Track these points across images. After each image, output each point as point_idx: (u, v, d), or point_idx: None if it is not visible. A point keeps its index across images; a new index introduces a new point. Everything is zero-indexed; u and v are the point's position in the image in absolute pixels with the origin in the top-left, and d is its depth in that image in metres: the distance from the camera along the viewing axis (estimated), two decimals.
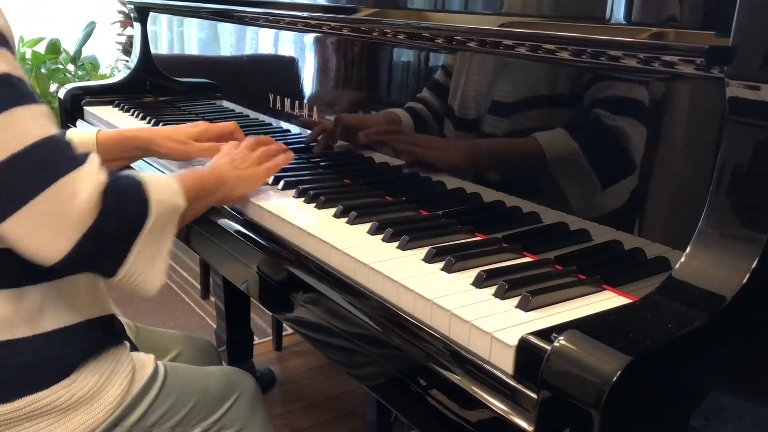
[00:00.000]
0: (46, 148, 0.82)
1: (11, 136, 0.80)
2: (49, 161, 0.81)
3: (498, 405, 0.69)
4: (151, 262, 0.90)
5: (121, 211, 0.86)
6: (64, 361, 0.93)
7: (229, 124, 1.35)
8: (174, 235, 0.95)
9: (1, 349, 0.89)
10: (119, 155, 1.28)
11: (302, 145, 1.43)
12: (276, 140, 1.49)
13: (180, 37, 1.93)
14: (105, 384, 0.96)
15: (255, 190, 1.18)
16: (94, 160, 0.86)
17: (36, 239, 0.81)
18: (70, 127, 1.95)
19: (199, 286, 2.82)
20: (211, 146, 1.29)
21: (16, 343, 0.90)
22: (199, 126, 1.33)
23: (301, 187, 1.18)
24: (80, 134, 1.27)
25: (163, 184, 0.94)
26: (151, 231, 0.89)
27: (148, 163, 1.46)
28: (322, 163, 1.36)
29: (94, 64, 3.88)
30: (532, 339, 0.69)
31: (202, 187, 1.06)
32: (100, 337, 0.98)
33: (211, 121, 1.71)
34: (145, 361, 1.04)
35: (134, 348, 1.06)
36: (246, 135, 1.33)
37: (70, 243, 0.81)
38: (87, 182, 0.82)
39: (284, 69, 1.46)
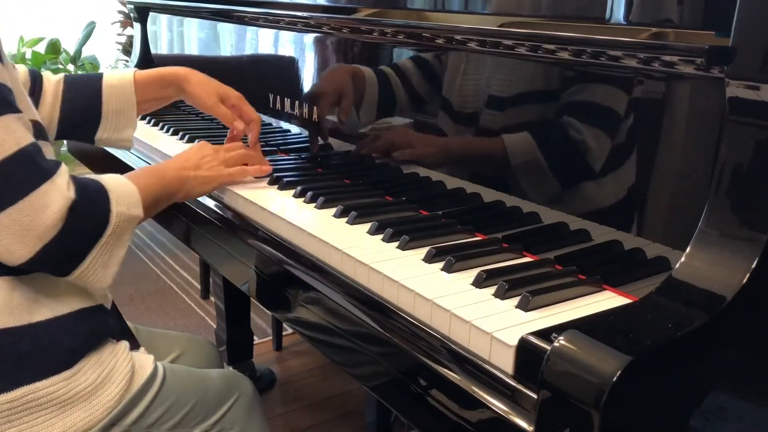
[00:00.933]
0: (19, 160, 0.86)
1: None
2: (22, 174, 0.86)
3: (498, 405, 0.69)
4: (104, 267, 0.95)
5: (84, 225, 0.92)
6: (62, 352, 0.94)
7: (255, 115, 1.33)
8: (128, 242, 1.00)
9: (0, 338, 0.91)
10: (156, 94, 1.30)
11: (302, 144, 1.43)
12: (275, 140, 1.49)
13: (180, 37, 1.93)
14: (104, 382, 0.96)
15: (223, 189, 1.22)
16: (64, 172, 0.90)
17: (1, 245, 0.87)
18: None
19: (199, 286, 2.82)
20: (229, 116, 1.30)
21: (13, 332, 0.91)
22: (232, 91, 1.32)
23: (300, 187, 1.18)
24: (119, 76, 1.28)
25: (125, 194, 0.98)
26: (107, 241, 0.94)
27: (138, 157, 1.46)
28: (322, 163, 1.36)
29: (94, 64, 3.88)
30: (532, 339, 0.69)
31: (162, 191, 1.09)
32: (96, 327, 0.98)
33: (211, 121, 1.71)
34: (145, 361, 1.04)
35: (134, 348, 1.06)
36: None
37: (33, 250, 0.87)
38: (57, 197, 0.87)
39: (284, 69, 1.46)
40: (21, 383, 0.91)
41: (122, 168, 1.50)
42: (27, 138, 0.88)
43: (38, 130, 0.97)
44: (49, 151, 0.96)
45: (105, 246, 0.94)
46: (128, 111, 1.27)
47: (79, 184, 0.92)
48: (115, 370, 0.98)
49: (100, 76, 1.27)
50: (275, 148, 1.48)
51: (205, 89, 1.29)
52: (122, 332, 1.05)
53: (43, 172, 0.88)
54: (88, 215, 0.92)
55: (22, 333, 0.91)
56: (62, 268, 0.93)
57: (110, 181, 0.98)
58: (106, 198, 0.95)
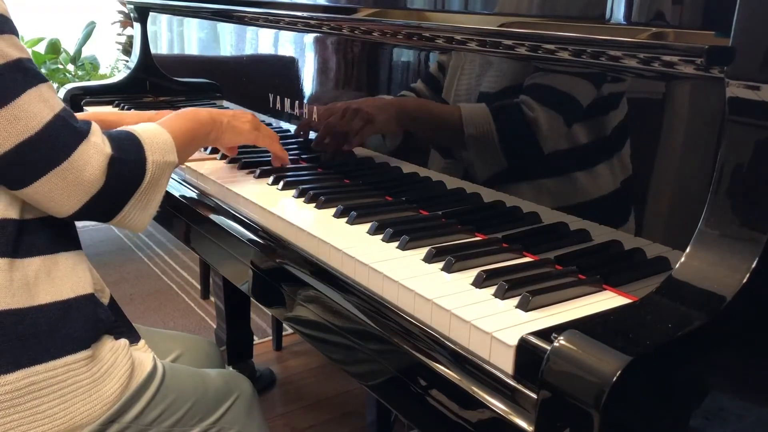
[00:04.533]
0: (56, 125, 0.92)
1: (28, 118, 0.90)
2: (61, 137, 0.92)
3: (498, 405, 0.69)
4: (143, 211, 1.03)
5: (124, 176, 0.98)
6: (61, 337, 0.94)
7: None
8: (165, 186, 1.06)
9: (1, 318, 0.91)
10: None
11: (302, 144, 1.43)
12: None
13: (180, 37, 1.93)
14: (103, 376, 0.96)
15: (240, 142, 1.29)
16: (96, 130, 0.97)
17: (52, 201, 0.94)
18: None
19: (199, 286, 2.82)
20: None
21: (14, 313, 0.92)
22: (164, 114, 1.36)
23: (301, 187, 1.18)
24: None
25: (159, 141, 1.04)
26: (146, 188, 1.01)
27: None
28: (322, 163, 1.36)
29: (94, 64, 3.89)
30: (532, 339, 0.69)
31: (196, 132, 1.16)
32: (95, 317, 0.98)
33: None
34: (144, 358, 1.04)
35: (134, 341, 1.06)
36: None
37: (80, 203, 0.95)
38: (95, 153, 0.94)
39: (284, 69, 1.46)
40: (21, 366, 0.91)
41: None
42: (59, 104, 0.94)
43: None
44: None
45: (144, 193, 1.01)
46: None
47: (114, 138, 0.98)
48: (115, 366, 0.98)
49: (65, 106, 1.28)
50: None
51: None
52: (122, 327, 1.05)
53: (79, 133, 0.94)
54: (127, 167, 0.98)
55: (23, 315, 0.92)
56: (105, 216, 1.00)
57: (143, 131, 1.03)
58: (141, 148, 1.01)
